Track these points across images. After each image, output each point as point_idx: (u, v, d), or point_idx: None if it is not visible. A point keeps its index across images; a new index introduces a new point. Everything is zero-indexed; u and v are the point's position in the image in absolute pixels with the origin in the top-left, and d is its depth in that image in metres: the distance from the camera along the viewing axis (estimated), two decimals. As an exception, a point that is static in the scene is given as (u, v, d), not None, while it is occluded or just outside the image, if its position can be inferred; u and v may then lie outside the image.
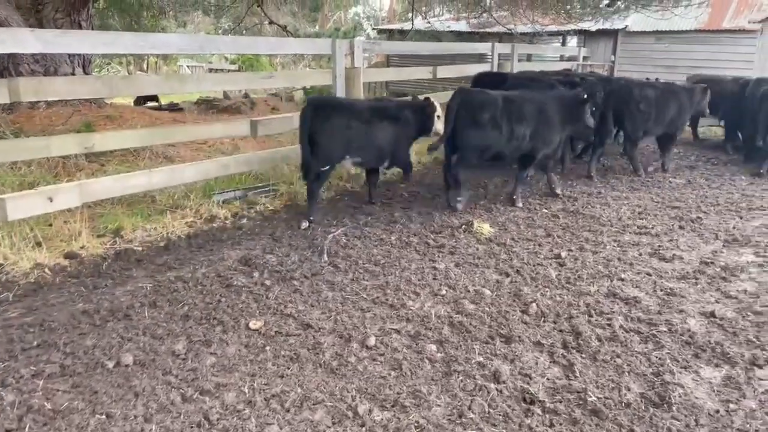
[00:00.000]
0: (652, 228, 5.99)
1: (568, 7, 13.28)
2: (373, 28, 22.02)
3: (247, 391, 3.10)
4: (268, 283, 4.52)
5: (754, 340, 3.66)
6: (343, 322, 3.90)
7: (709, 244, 5.55)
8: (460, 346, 3.60)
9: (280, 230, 5.75)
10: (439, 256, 5.15)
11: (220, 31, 22.82)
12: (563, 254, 5.19)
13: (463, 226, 5.92)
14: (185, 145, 8.82)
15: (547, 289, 4.45)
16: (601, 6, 12.32)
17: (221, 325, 3.82)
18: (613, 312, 4.07)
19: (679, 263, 5.05)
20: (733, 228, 6.03)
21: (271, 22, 18.45)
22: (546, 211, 6.63)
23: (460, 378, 3.24)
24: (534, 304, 4.14)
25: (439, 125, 6.66)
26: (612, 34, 15.68)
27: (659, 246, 5.46)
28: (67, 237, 5.22)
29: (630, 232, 5.88)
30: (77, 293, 4.29)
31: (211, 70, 27.11)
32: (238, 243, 5.37)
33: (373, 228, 5.90)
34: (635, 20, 15.00)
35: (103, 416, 2.88)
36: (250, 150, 8.23)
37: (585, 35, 16.44)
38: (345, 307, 4.12)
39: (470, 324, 3.86)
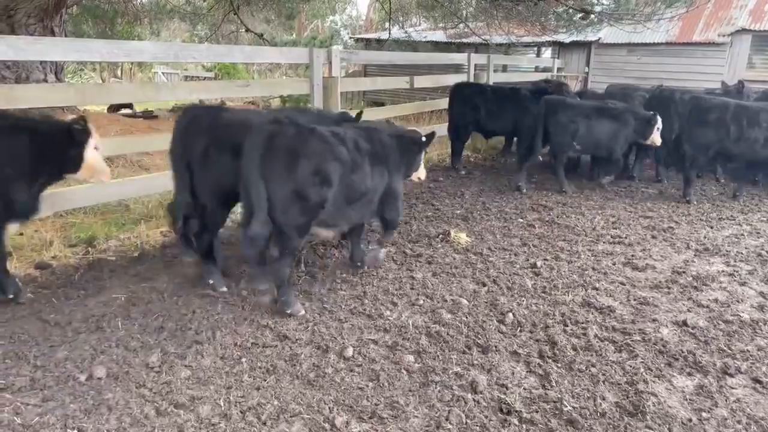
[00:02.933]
0: (626, 238, 6.09)
1: (543, 19, 13.47)
2: (351, 37, 22.08)
3: (222, 404, 3.06)
4: (244, 293, 4.48)
5: (726, 348, 3.73)
6: (321, 332, 3.88)
7: (680, 254, 5.66)
8: (438, 356, 3.60)
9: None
10: (416, 266, 5.16)
11: (196, 39, 22.68)
12: (539, 263, 5.24)
13: (441, 236, 5.94)
14: (161, 154, 8.72)
15: (523, 299, 4.49)
16: (575, 19, 12.52)
17: (196, 337, 3.77)
18: (588, 321, 4.12)
19: (652, 272, 5.13)
20: (704, 237, 6.16)
21: (247, 30, 18.38)
22: (522, 220, 6.70)
23: (438, 389, 3.24)
24: (510, 314, 4.17)
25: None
26: (586, 45, 15.96)
27: (632, 255, 5.55)
28: (38, 247, 5.12)
29: (604, 242, 5.97)
30: (48, 304, 4.19)
31: (187, 77, 26.94)
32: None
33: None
34: (608, 33, 15.28)
35: (75, 431, 2.82)
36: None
37: (559, 47, 16.70)
38: (322, 318, 4.10)
39: (447, 334, 3.87)
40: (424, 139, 4.94)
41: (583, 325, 4.06)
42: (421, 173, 5.24)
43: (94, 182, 4.66)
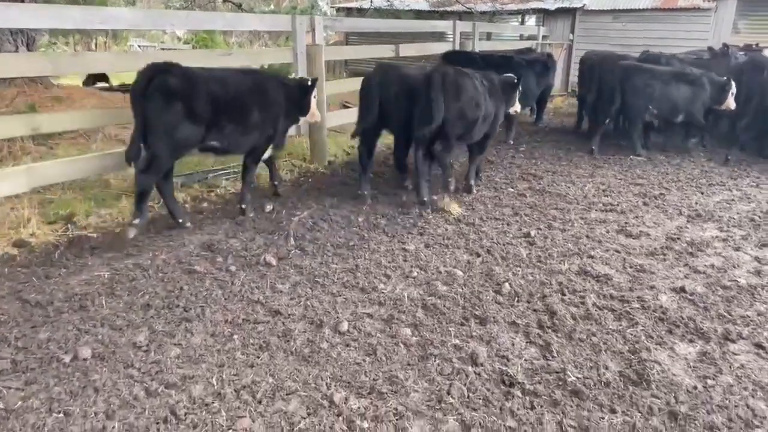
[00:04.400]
0: (618, 205, 6.02)
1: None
2: (331, 7, 21.60)
3: (215, 382, 2.95)
4: (233, 268, 4.34)
5: (726, 314, 3.69)
6: (314, 307, 3.76)
7: (673, 220, 5.61)
8: (435, 329, 3.51)
9: (244, 214, 5.54)
10: (408, 237, 5.05)
11: (171, 6, 22.04)
12: (532, 233, 5.15)
13: (430, 207, 5.83)
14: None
15: (518, 269, 4.41)
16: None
17: (185, 314, 3.64)
18: (586, 290, 4.05)
19: (646, 240, 5.08)
20: (696, 203, 6.12)
21: (225, 0, 17.89)
22: (512, 190, 6.60)
23: (437, 362, 3.16)
24: (507, 284, 4.09)
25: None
26: (570, 12, 15.75)
27: (626, 223, 5.48)
28: (15, 224, 4.91)
29: (596, 210, 5.90)
30: (28, 284, 4.02)
31: (163, 49, 26.24)
32: (200, 228, 5.15)
33: (339, 210, 5.76)
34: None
35: (61, 414, 2.70)
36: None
37: (544, 14, 16.48)
38: (315, 292, 3.98)
39: (444, 306, 3.78)
40: (515, 80, 6.72)
41: (581, 294, 3.99)
42: (517, 107, 7.00)
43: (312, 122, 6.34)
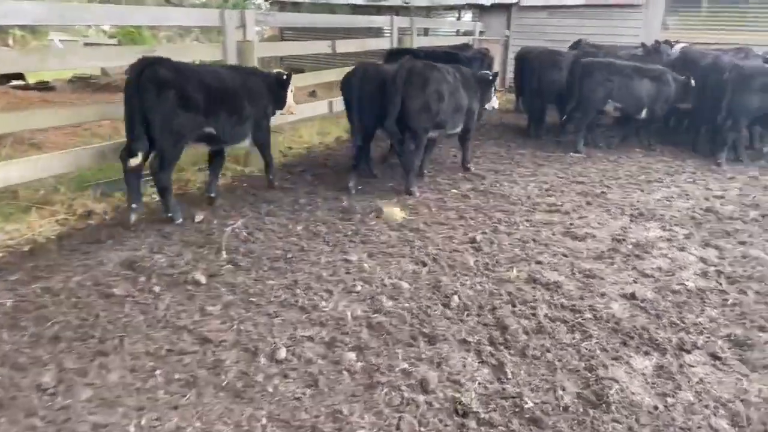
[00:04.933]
0: (562, 205, 5.93)
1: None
2: (265, 0, 21.00)
3: (133, 430, 2.58)
4: (157, 289, 3.93)
5: (678, 322, 3.59)
6: (248, 332, 3.43)
7: (617, 220, 5.56)
8: (382, 351, 3.25)
9: (171, 224, 5.12)
10: (350, 247, 4.76)
11: (96, 1, 20.86)
12: (478, 237, 4.97)
13: (373, 212, 5.57)
14: (57, 130, 7.83)
15: (466, 278, 4.20)
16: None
17: (100, 347, 3.23)
18: (536, 300, 3.88)
19: (592, 242, 4.98)
20: (637, 201, 6.11)
21: (152, -8, 17.07)
22: (456, 191, 6.42)
23: (385, 391, 2.90)
24: (455, 297, 3.87)
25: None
26: (506, 8, 15.78)
27: (571, 224, 5.39)
28: None
29: (541, 211, 5.79)
30: None
31: (87, 44, 24.88)
32: (121, 243, 4.69)
33: (276, 217, 5.41)
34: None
35: (-56, 483, 2.28)
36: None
37: (480, 10, 16.46)
38: (249, 314, 3.65)
39: (390, 324, 3.53)
40: (491, 77, 7.12)
41: (532, 304, 3.81)
42: (494, 103, 7.30)
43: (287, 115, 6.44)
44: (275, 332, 3.43)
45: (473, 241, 4.93)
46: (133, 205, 4.99)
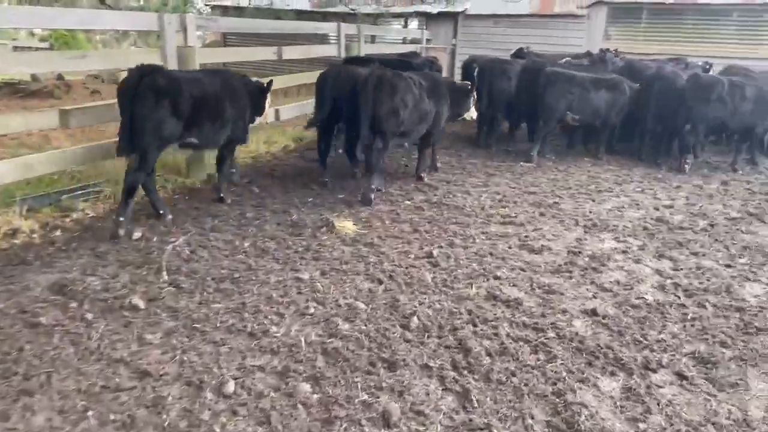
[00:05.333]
0: (516, 217, 5.86)
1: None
2: (206, 4, 20.42)
3: (61, 487, 2.28)
4: (89, 316, 3.59)
5: (641, 339, 3.52)
6: (192, 362, 3.15)
7: (571, 231, 5.52)
8: (339, 381, 3.03)
9: (106, 243, 4.75)
10: (302, 264, 4.52)
11: (26, 3, 19.80)
12: (434, 252, 4.81)
13: (325, 226, 5.34)
14: (-21, 139, 7.26)
15: (425, 296, 4.03)
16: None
17: (25, 385, 2.89)
18: (497, 318, 3.74)
19: (549, 255, 4.91)
20: (590, 212, 6.10)
21: (87, -6, 16.32)
22: (409, 203, 6.26)
23: (344, 426, 2.68)
24: (414, 317, 3.69)
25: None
26: (452, 16, 15.86)
27: (526, 236, 5.31)
28: None
29: (495, 223, 5.69)
30: None
31: (16, 48, 23.65)
32: (50, 264, 4.30)
33: (221, 233, 5.11)
34: (474, 4, 15.28)
35: None
36: (66, 144, 6.94)
37: (426, 17, 16.49)
38: (193, 342, 3.36)
39: (347, 349, 3.31)
40: (469, 87, 7.38)
41: (493, 323, 3.67)
42: (472, 113, 7.61)
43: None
44: (222, 362, 3.16)
45: (430, 255, 4.77)
46: (121, 218, 4.92)
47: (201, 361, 3.16)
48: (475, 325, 3.64)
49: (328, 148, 7.00)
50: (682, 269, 4.63)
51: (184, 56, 6.31)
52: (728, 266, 4.71)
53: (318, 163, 7.04)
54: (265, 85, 6.25)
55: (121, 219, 4.88)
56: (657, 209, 6.27)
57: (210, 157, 7.30)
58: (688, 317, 3.80)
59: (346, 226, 5.36)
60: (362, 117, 5.94)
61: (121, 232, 4.85)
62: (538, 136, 8.65)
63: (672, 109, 8.12)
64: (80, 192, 5.73)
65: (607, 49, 10.64)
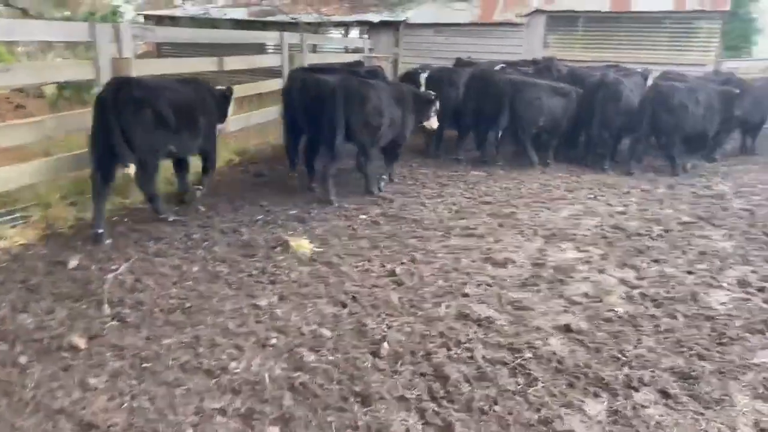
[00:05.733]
0: (475, 228, 5.73)
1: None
2: (139, 14, 19.64)
3: None
4: (23, 360, 3.21)
5: (618, 355, 3.41)
6: (143, 409, 2.83)
7: (532, 242, 5.43)
8: (310, 421, 2.78)
9: (39, 274, 4.32)
10: (258, 289, 4.23)
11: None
12: (398, 270, 4.61)
13: (279, 245, 5.06)
14: None
15: (393, 319, 3.81)
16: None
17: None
18: (471, 339, 3.57)
19: (513, 268, 4.78)
20: (547, 221, 6.05)
21: (7, 4, 15.43)
22: (365, 217, 6.04)
23: (321, 475, 2.43)
24: (385, 343, 3.47)
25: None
26: (394, 25, 15.81)
27: (488, 249, 5.18)
28: None
29: (455, 235, 5.55)
30: None
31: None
32: (-27, 301, 3.86)
33: (167, 257, 4.75)
34: (416, 13, 15.28)
35: None
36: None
37: (368, 27, 16.38)
38: (143, 385, 3.03)
39: (316, 384, 3.06)
40: (432, 97, 7.31)
41: (467, 345, 3.50)
42: (432, 123, 7.45)
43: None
44: (178, 407, 2.85)
45: (393, 273, 4.56)
46: (99, 230, 5.04)
47: (154, 407, 2.84)
48: (449, 349, 3.46)
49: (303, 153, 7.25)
50: (646, 278, 4.59)
51: (119, 68, 5.89)
52: (689, 273, 4.71)
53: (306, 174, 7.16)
54: (228, 92, 6.51)
55: (167, 215, 5.57)
56: (612, 216, 6.28)
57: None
58: (661, 329, 3.73)
59: (302, 244, 5.09)
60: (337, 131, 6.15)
61: (170, 217, 5.56)
62: (524, 143, 8.76)
63: (617, 115, 8.28)
64: (6, 218, 5.23)
65: (551, 58, 10.79)
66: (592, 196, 7.14)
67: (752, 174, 8.51)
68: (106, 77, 5.87)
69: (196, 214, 5.93)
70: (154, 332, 3.56)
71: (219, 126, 6.53)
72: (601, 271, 4.73)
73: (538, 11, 14.19)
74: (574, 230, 5.75)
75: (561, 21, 14.28)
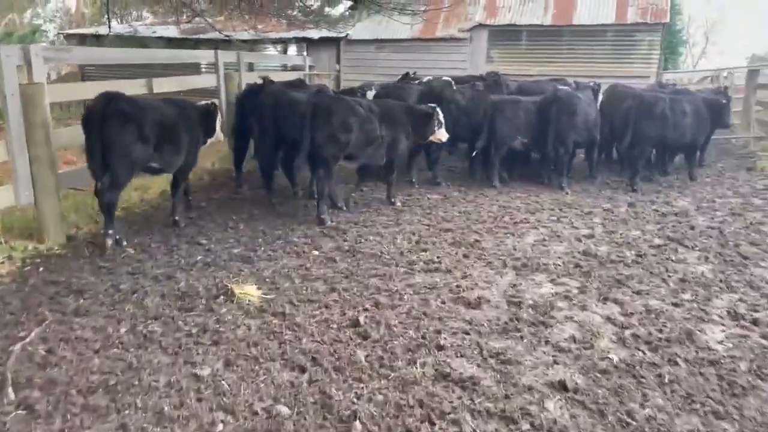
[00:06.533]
0: (439, 261, 5.26)
1: (290, 12, 12.36)
2: (60, 33, 18.39)
3: None
4: None
5: (628, 419, 2.96)
6: None
7: (502, 275, 4.99)
8: None
9: (-76, 349, 3.54)
10: (199, 353, 3.59)
11: None
12: (361, 319, 4.05)
13: (222, 293, 4.42)
14: None
15: (362, 385, 3.25)
16: (333, 12, 11.65)
17: None
18: (456, 408, 3.05)
19: (489, 308, 4.32)
20: (514, 249, 5.64)
21: None
22: (317, 253, 5.47)
23: None
24: (357, 422, 2.90)
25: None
26: (334, 42, 15.34)
27: (458, 286, 4.70)
28: None
29: (419, 270, 5.05)
30: None
31: None
32: None
33: (89, 316, 4.05)
34: (357, 29, 14.86)
35: None
36: None
37: (307, 43, 15.85)
38: (53, 506, 2.36)
39: (276, 488, 2.46)
40: (431, 110, 7.17)
41: (452, 416, 2.98)
42: (441, 136, 7.27)
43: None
44: None
45: (356, 323, 4.00)
46: (110, 231, 5.35)
47: None
48: (432, 423, 2.93)
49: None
50: (632, 314, 4.21)
51: (28, 95, 5.14)
52: (676, 305, 4.36)
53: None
54: (213, 107, 6.64)
55: (110, 231, 5.35)
56: (580, 240, 5.94)
57: (71, 213, 6.15)
58: (665, 380, 3.31)
59: (249, 291, 4.47)
60: (303, 147, 6.20)
61: (109, 242, 5.32)
62: (492, 162, 8.51)
63: (572, 130, 8.07)
64: None
65: (496, 72, 10.54)
66: (554, 218, 6.80)
67: (708, 187, 8.42)
68: (14, 105, 5.13)
69: (124, 258, 5.20)
70: (70, 423, 2.87)
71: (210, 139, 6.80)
72: (583, 308, 4.33)
73: (480, 26, 14.03)
74: (544, 259, 5.35)
75: (503, 35, 14.17)
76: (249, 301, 4.34)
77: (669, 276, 4.94)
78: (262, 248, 5.56)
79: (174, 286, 4.61)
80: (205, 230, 6.11)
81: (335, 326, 3.99)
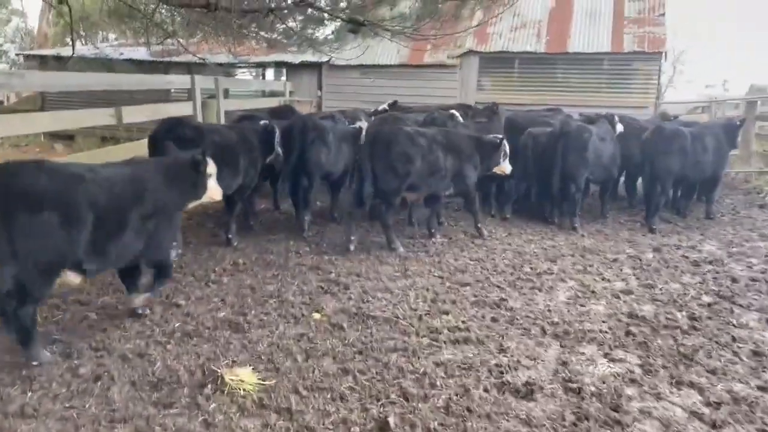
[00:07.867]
0: (466, 328, 4.45)
1: (273, 35, 11.54)
2: (18, 54, 17.26)
3: None
4: None
5: None
6: None
7: (545, 348, 4.19)
8: None
9: None
10: (184, 482, 2.68)
11: None
12: (391, 421, 3.19)
13: (210, 381, 3.52)
14: None
15: None
16: (316, 35, 10.88)
17: None
18: None
19: (543, 398, 3.50)
20: (548, 311, 4.86)
21: None
22: (319, 316, 4.60)
23: None
24: None
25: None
26: (316, 67, 14.59)
27: (497, 365, 3.87)
28: None
29: (446, 341, 4.22)
30: None
31: None
32: None
33: (38, 420, 3.11)
34: (340, 53, 14.14)
35: None
36: None
37: (287, 68, 15.06)
38: None
39: None
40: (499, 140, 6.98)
41: None
42: (505, 168, 7.11)
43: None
44: None
45: (384, 427, 3.14)
46: None
47: None
48: None
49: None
50: (719, 405, 3.44)
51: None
52: (763, 390, 3.62)
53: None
54: (200, 158, 4.61)
55: None
56: (617, 297, 5.20)
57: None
58: None
59: (242, 376, 3.58)
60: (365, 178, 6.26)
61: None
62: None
63: (583, 166, 7.42)
64: None
65: (494, 104, 9.88)
66: (580, 267, 6.06)
67: (728, 228, 7.82)
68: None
69: (85, 330, 4.26)
70: None
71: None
72: (657, 397, 3.54)
73: (471, 52, 13.45)
74: (587, 323, 4.58)
75: (495, 62, 13.60)
76: (243, 390, 3.45)
77: (739, 348, 4.20)
78: (253, 311, 4.69)
79: (147, 369, 3.70)
80: (182, 286, 5.20)
81: (358, 429, 3.12)
